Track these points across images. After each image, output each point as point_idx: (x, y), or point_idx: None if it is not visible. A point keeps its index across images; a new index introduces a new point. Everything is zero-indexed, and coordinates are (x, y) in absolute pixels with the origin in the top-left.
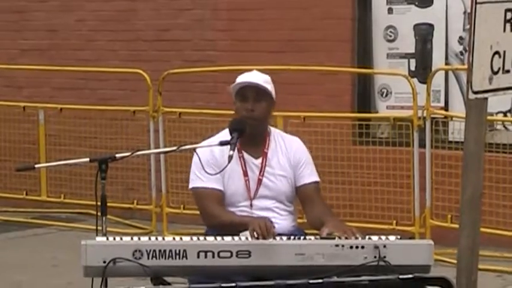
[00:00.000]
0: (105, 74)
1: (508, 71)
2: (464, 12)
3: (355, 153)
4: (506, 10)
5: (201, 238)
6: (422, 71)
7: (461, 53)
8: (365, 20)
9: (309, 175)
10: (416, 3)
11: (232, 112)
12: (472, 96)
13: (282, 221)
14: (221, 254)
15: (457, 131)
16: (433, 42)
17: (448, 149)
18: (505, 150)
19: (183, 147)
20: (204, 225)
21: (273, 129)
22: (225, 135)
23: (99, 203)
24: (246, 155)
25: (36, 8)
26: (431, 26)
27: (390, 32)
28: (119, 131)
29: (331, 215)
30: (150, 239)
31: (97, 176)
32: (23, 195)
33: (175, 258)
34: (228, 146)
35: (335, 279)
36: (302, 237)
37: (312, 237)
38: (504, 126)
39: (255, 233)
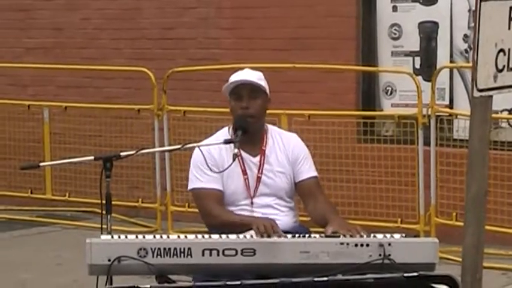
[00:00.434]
0: (110, 72)
1: None
2: (469, 10)
3: (360, 151)
4: (511, 8)
5: (206, 236)
6: (427, 69)
7: (466, 51)
8: (369, 18)
9: (308, 170)
10: (421, 1)
11: None
12: (476, 94)
13: (284, 217)
14: (226, 252)
15: (461, 128)
16: (437, 40)
17: (452, 146)
18: (510, 148)
19: (188, 146)
20: (205, 225)
21: (270, 127)
22: (222, 134)
23: (103, 201)
24: (244, 154)
25: (41, 6)
26: (435, 23)
27: (395, 30)
28: (123, 130)
29: (335, 212)
30: (155, 237)
31: (102, 174)
32: (27, 194)
33: (180, 256)
34: (227, 145)
35: (340, 277)
36: (307, 235)
37: (317, 235)
38: (509, 124)
39: (259, 231)
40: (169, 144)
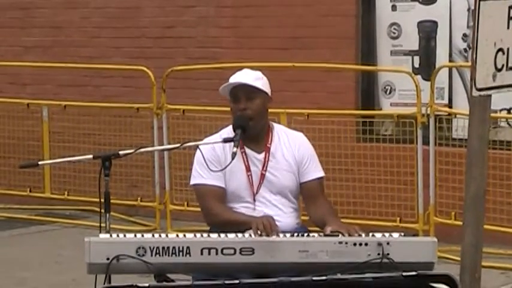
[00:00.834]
0: (109, 71)
1: (511, 68)
2: (468, 9)
3: (359, 150)
4: (510, 7)
5: (205, 235)
6: (426, 68)
7: (465, 50)
8: (369, 17)
9: (314, 171)
10: (420, 0)
11: None
12: (475, 93)
13: (286, 218)
14: (224, 251)
15: (460, 128)
16: (437, 39)
17: (451, 146)
18: (509, 147)
19: (187, 144)
20: (205, 223)
21: (275, 125)
22: (226, 132)
23: (102, 200)
24: (248, 150)
25: (40, 5)
26: (435, 23)
27: (394, 29)
28: (122, 128)
29: (335, 215)
30: (153, 236)
31: (100, 173)
32: (26, 192)
33: (179, 255)
34: (231, 143)
35: (339, 276)
36: (306, 234)
37: (316, 234)
38: (508, 123)
39: (258, 231)
40: (169, 143)
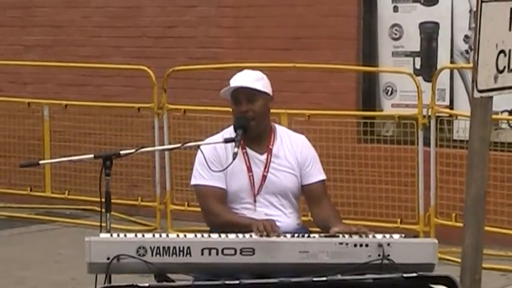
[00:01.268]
0: (110, 70)
1: None
2: (470, 11)
3: (360, 152)
4: None
5: (205, 235)
6: (428, 70)
7: (467, 52)
8: (370, 18)
9: (316, 174)
10: (422, 1)
11: None
12: (477, 94)
13: (287, 219)
14: (225, 251)
15: (462, 129)
16: (438, 40)
17: (452, 147)
18: (510, 149)
19: (188, 144)
20: (205, 223)
21: (278, 126)
22: (228, 132)
23: (103, 200)
24: (250, 151)
25: (41, 4)
26: (436, 24)
27: (395, 30)
28: (123, 128)
29: (339, 218)
30: (154, 235)
31: (101, 172)
32: (27, 191)
33: (179, 255)
34: (232, 144)
35: (339, 277)
36: (306, 235)
37: (316, 235)
38: (509, 125)
39: (259, 232)
40: (169, 143)
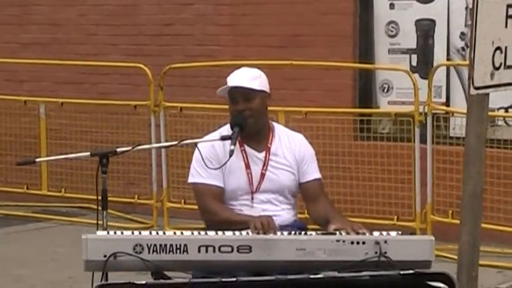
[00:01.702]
0: (107, 68)
1: (509, 67)
2: (466, 8)
3: (356, 149)
4: (508, 6)
5: (202, 233)
6: (424, 67)
7: (463, 49)
8: (367, 15)
9: (313, 172)
10: None
11: None
12: (473, 91)
13: (284, 214)
14: (222, 249)
15: (458, 126)
16: (434, 37)
17: (449, 144)
18: (506, 146)
19: (184, 142)
20: (202, 221)
21: (276, 125)
22: (226, 130)
23: (99, 197)
24: (248, 149)
25: (37, 2)
26: (433, 21)
27: (392, 27)
28: (120, 126)
29: (336, 212)
30: (150, 233)
31: (98, 170)
32: (23, 189)
33: (176, 252)
34: (229, 141)
35: (336, 274)
36: (303, 232)
37: (313, 233)
38: (505, 122)
39: (256, 230)
40: (166, 141)
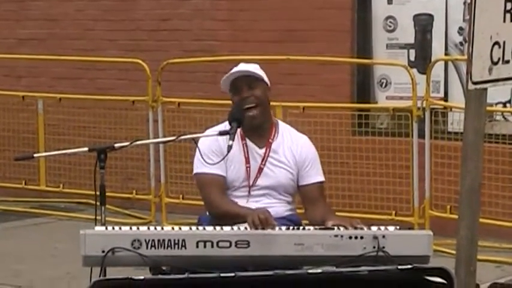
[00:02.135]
0: (104, 63)
1: (507, 62)
2: (464, 3)
3: (354, 144)
4: (506, 0)
5: (200, 228)
6: (422, 62)
7: (461, 44)
8: (364, 10)
9: (315, 175)
10: None
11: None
12: (471, 86)
13: (279, 207)
14: (220, 244)
15: (456, 121)
16: (432, 32)
17: (447, 139)
18: (505, 140)
19: (182, 137)
20: (206, 211)
21: (281, 123)
22: (226, 125)
23: (98, 193)
24: (249, 143)
25: None
26: (431, 16)
27: (390, 22)
28: (118, 121)
29: (334, 214)
30: (149, 228)
31: (96, 165)
32: (21, 185)
33: (174, 248)
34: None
35: (334, 269)
36: (301, 227)
37: (311, 228)
38: (503, 117)
39: (253, 224)
40: (164, 136)
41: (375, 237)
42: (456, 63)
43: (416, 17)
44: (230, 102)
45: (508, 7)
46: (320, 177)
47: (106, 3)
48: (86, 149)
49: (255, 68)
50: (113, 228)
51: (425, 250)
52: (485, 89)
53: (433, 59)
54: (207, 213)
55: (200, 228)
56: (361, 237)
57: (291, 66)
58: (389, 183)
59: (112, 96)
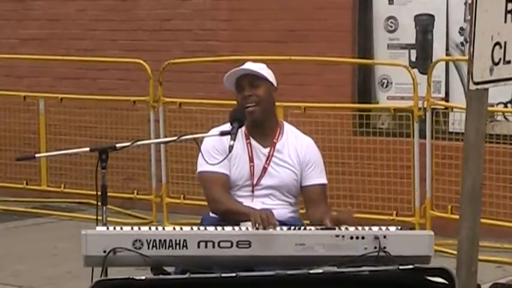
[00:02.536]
0: (106, 63)
1: (508, 62)
2: (465, 3)
3: (356, 144)
4: (507, 1)
5: (201, 228)
6: (423, 62)
7: (462, 44)
8: (365, 10)
9: (317, 177)
10: None
11: (233, 102)
12: (472, 87)
13: (282, 209)
14: (221, 244)
15: (457, 121)
16: (433, 32)
17: (448, 139)
18: (506, 141)
19: (183, 137)
20: (209, 211)
21: (286, 124)
22: (229, 125)
23: (99, 193)
24: (254, 142)
25: None
26: (432, 16)
27: (391, 22)
28: (119, 121)
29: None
30: (150, 228)
31: (97, 165)
32: (23, 185)
33: (176, 248)
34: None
35: (335, 269)
36: (302, 228)
37: (313, 228)
38: (505, 117)
39: (256, 224)
40: (165, 136)
41: (376, 238)
42: (457, 63)
43: (417, 17)
44: (231, 102)
45: (509, 7)
46: (323, 180)
47: (107, 4)
48: (87, 149)
49: (259, 68)
50: (114, 228)
51: (427, 250)
52: (486, 89)
53: (434, 59)
54: (210, 211)
55: (201, 228)
56: (362, 238)
57: (292, 67)
58: (390, 184)
59: (113, 97)
